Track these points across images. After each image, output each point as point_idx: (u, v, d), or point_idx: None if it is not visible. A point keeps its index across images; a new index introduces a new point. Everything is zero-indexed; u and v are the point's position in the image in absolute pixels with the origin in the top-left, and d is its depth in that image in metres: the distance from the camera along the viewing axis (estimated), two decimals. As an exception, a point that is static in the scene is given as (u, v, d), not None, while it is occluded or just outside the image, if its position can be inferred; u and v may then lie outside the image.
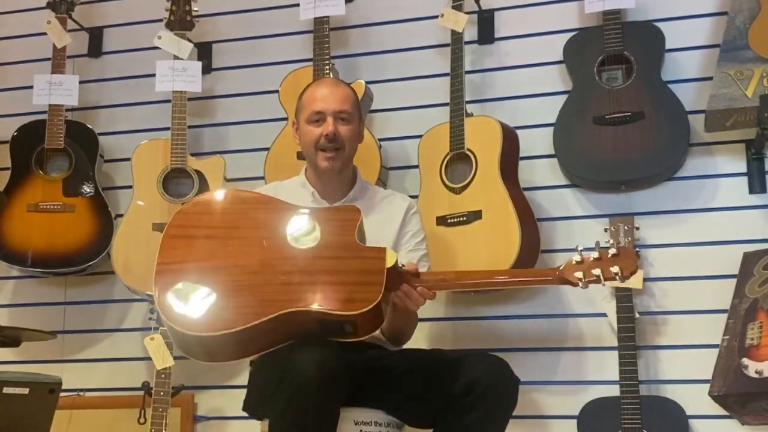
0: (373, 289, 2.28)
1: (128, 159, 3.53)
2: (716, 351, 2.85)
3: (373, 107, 3.44)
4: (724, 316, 2.92)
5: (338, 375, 2.26)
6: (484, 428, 2.36)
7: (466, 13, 3.31)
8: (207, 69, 3.71)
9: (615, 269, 2.32)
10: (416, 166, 3.33)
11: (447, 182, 3.19)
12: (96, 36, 3.91)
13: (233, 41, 3.78)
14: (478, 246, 3.04)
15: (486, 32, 3.52)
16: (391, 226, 2.73)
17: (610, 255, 2.35)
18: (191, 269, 2.37)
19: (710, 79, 3.10)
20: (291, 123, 2.81)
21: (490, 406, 2.35)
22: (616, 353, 3.00)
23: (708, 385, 2.79)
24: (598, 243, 2.41)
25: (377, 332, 2.60)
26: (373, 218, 2.69)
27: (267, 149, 3.42)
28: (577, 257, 2.36)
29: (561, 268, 2.38)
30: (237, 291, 2.32)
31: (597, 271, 2.33)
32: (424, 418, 2.49)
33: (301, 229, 2.42)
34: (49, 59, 3.68)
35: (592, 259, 2.35)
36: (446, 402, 2.39)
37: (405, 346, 2.72)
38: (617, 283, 2.40)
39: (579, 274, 2.34)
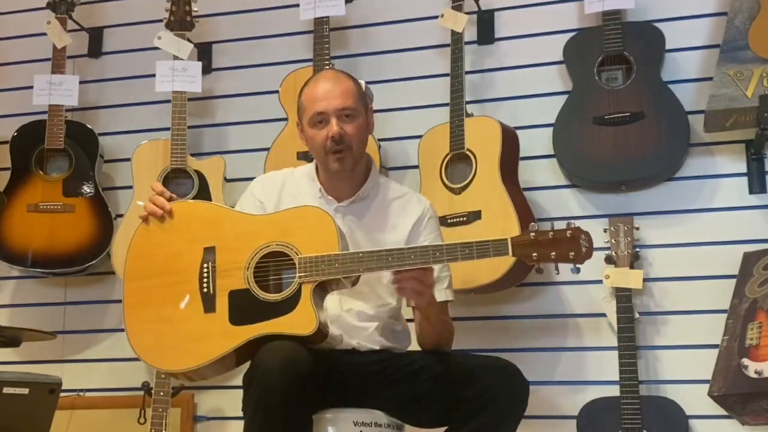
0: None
1: (128, 159, 3.53)
2: (716, 351, 2.86)
3: (373, 107, 3.43)
4: (724, 316, 2.93)
5: (305, 378, 2.20)
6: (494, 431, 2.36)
7: (466, 13, 3.31)
8: (207, 69, 3.71)
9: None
10: (416, 166, 3.33)
11: (447, 182, 3.19)
12: (96, 36, 3.91)
13: (233, 41, 3.78)
14: (478, 246, 3.03)
15: (486, 32, 3.52)
16: (398, 231, 2.58)
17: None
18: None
19: (710, 79, 3.10)
20: (296, 124, 2.69)
21: (501, 411, 2.33)
22: (616, 353, 3.00)
23: (708, 385, 2.80)
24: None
25: (382, 339, 2.58)
26: (379, 221, 2.58)
27: (267, 149, 3.42)
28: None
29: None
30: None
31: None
32: (429, 419, 2.47)
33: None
34: (49, 59, 3.69)
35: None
36: (456, 405, 2.36)
37: (411, 348, 2.68)
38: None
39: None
